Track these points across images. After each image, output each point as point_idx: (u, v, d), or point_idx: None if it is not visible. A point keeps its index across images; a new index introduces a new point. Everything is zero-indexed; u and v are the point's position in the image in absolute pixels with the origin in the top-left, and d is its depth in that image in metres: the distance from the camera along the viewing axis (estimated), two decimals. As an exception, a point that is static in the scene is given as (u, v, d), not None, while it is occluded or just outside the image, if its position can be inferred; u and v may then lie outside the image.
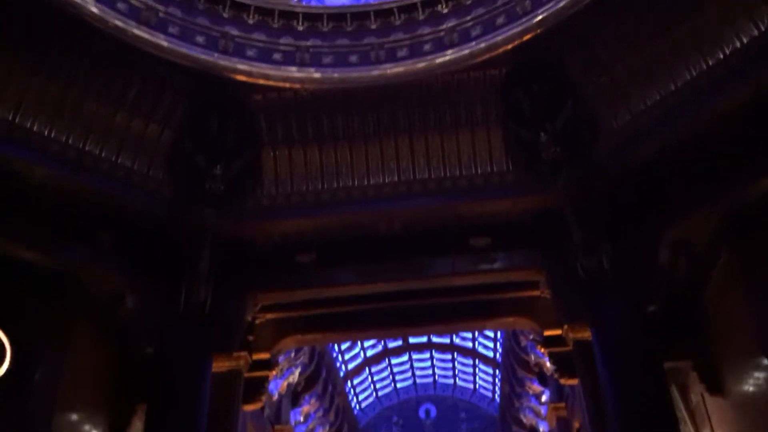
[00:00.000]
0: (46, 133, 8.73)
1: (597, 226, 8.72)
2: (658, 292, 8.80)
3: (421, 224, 9.74)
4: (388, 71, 9.34)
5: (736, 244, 8.38)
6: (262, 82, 9.43)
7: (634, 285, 8.59)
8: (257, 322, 10.67)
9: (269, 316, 10.82)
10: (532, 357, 13.77)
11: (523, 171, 9.49)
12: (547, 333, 10.38)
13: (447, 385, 22.09)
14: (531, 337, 12.02)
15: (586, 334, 8.98)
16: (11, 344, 8.70)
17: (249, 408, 10.48)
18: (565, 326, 9.45)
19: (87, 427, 9.42)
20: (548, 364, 11.06)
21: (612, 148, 9.04)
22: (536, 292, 10.05)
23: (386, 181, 9.82)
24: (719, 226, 8.44)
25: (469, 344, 19.99)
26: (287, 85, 9.53)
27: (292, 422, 15.20)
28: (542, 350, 10.85)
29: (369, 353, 20.26)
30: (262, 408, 13.19)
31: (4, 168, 8.27)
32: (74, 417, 9.11)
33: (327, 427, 17.76)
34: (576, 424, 13.26)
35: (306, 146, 9.87)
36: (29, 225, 8.52)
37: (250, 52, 9.36)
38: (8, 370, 8.57)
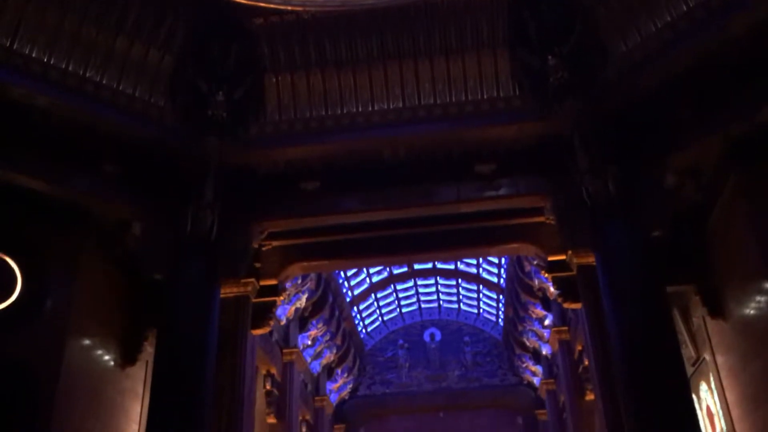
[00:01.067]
0: (45, 59, 8.59)
1: (603, 151, 8.64)
2: (663, 218, 8.81)
3: (426, 151, 9.67)
4: (392, -8, 9.10)
5: (742, 171, 8.33)
6: (263, 5, 9.21)
7: (639, 210, 8.58)
8: (263, 249, 10.77)
9: (275, 243, 10.90)
10: (536, 282, 13.93)
11: (529, 96, 9.35)
12: (551, 258, 10.45)
13: (451, 310, 22.46)
14: (535, 262, 12.10)
15: (590, 259, 9.05)
16: (21, 272, 8.84)
17: (257, 332, 10.70)
18: (569, 251, 9.51)
19: (99, 352, 9.67)
20: (552, 288, 11.18)
21: (620, 72, 8.87)
22: (541, 218, 10.06)
23: (391, 107, 9.69)
24: (726, 153, 8.38)
25: (474, 270, 20.20)
26: (289, 8, 9.30)
27: (300, 346, 15.54)
28: (546, 275, 10.94)
29: (374, 279, 20.52)
30: (271, 332, 13.48)
31: (3, 95, 8.19)
32: (86, 341, 9.33)
33: (334, 351, 18.17)
34: (578, 347, 13.54)
35: (309, 71, 9.70)
36: (32, 153, 8.51)
37: (250, -26, 9.11)
38: (19, 297, 8.73)
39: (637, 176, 8.65)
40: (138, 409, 10.43)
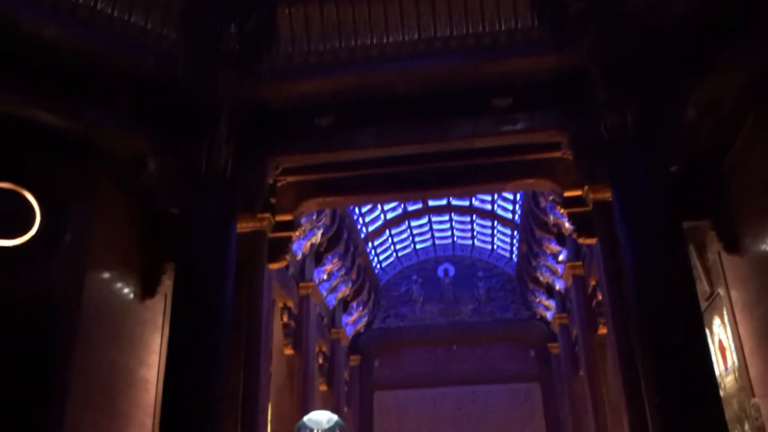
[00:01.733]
0: (54, -9, 8.46)
1: (622, 84, 8.47)
2: (681, 153, 8.70)
3: (441, 84, 9.51)
4: None
5: (764, 105, 8.17)
6: (275, -67, 8.97)
7: (657, 145, 8.47)
8: (278, 184, 10.79)
9: (290, 178, 10.91)
10: (551, 218, 13.91)
11: (548, 27, 9.09)
12: (567, 194, 10.40)
13: (465, 246, 22.56)
14: (551, 198, 12.05)
15: (607, 195, 9.00)
16: (40, 206, 8.93)
17: (274, 266, 10.83)
18: (586, 187, 9.46)
19: (119, 284, 9.85)
20: (567, 224, 11.17)
21: (642, 2, 8.60)
22: (558, 153, 9.96)
23: (406, 39, 9.48)
24: (748, 86, 8.20)
25: (488, 206, 20.17)
26: (301, -64, 9.05)
27: (316, 280, 15.74)
28: (561, 211, 10.92)
29: (389, 216, 20.56)
30: (287, 267, 13.63)
31: (13, 28, 8.10)
32: (106, 274, 9.50)
33: (349, 285, 18.41)
34: (592, 282, 13.61)
35: (322, 2, 9.47)
36: (45, 88, 8.47)
37: None
38: (39, 231, 8.85)
39: (656, 110, 8.50)
40: (158, 340, 10.69)
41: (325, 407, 14.65)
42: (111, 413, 9.28)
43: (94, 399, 8.91)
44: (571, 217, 10.46)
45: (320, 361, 17.01)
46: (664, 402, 7.32)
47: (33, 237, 8.81)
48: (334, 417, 3.42)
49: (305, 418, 3.36)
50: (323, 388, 17.40)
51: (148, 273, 10.45)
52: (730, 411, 9.40)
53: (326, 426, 3.42)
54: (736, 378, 9.74)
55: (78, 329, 8.66)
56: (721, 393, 8.15)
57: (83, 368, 8.67)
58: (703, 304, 10.12)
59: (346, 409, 18.63)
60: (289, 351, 14.68)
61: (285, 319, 14.54)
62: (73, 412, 8.35)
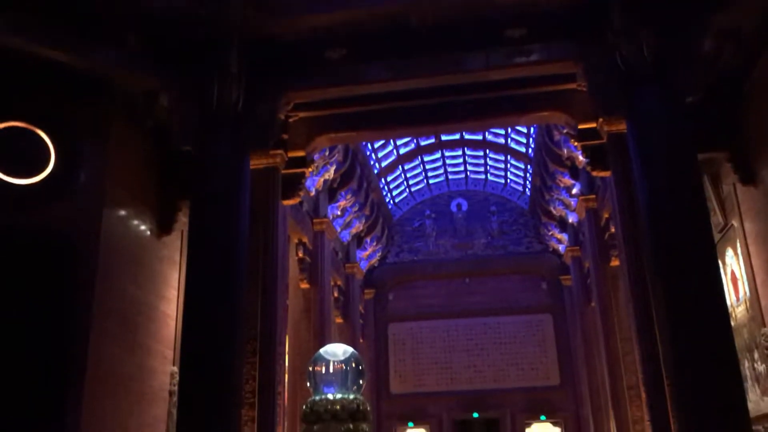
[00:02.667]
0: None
1: (639, 12, 8.25)
2: (698, 83, 8.54)
3: (454, 15, 9.30)
4: None
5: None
6: None
7: (673, 75, 8.31)
8: (290, 120, 10.75)
9: (302, 114, 10.85)
10: (565, 151, 13.80)
11: (563, -46, 8.85)
12: (581, 126, 10.31)
13: (478, 181, 22.52)
14: (565, 131, 11.92)
15: (621, 127, 8.92)
16: (54, 144, 8.99)
17: (288, 203, 10.91)
18: (600, 119, 9.36)
19: (136, 222, 9.98)
20: (581, 157, 11.09)
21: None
22: (572, 85, 9.81)
23: (417, -32, 9.25)
24: (768, 12, 8.00)
25: (502, 140, 20.02)
26: None
27: (330, 216, 15.84)
28: (575, 144, 10.83)
29: (402, 151, 20.48)
30: (301, 203, 13.72)
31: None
32: (122, 212, 9.62)
33: (363, 221, 18.52)
34: (605, 215, 13.61)
35: (331, -68, 9.23)
36: (55, 25, 8.39)
37: None
38: (54, 169, 8.93)
39: (673, 39, 8.31)
40: (176, 275, 10.89)
41: (340, 339, 14.99)
42: (132, 346, 9.56)
43: (116, 332, 9.16)
44: (585, 150, 10.39)
45: (335, 294, 17.30)
46: (676, 332, 7.43)
47: (48, 175, 8.90)
48: (350, 349, 3.54)
49: (321, 350, 3.48)
50: (339, 320, 17.75)
51: (164, 210, 10.58)
52: (740, 340, 9.54)
53: (342, 357, 3.55)
54: (747, 308, 9.83)
55: (98, 265, 8.84)
56: (732, 323, 8.24)
57: (105, 303, 8.89)
58: (717, 236, 10.14)
59: (361, 340, 19.03)
60: (304, 285, 14.93)
61: (300, 254, 14.72)
62: (96, 344, 8.62)
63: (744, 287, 9.91)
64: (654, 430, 8.47)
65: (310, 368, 3.84)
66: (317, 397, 3.68)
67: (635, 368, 11.71)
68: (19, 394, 8.10)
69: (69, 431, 8.13)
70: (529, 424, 19.73)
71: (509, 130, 18.94)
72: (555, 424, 19.72)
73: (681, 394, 7.33)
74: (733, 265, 10.28)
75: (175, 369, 10.10)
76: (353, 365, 3.83)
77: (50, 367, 8.28)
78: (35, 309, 8.39)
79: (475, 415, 19.86)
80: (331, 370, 3.81)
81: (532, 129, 17.57)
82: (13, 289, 8.40)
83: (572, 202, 16.05)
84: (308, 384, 3.92)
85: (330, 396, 3.64)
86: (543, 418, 19.66)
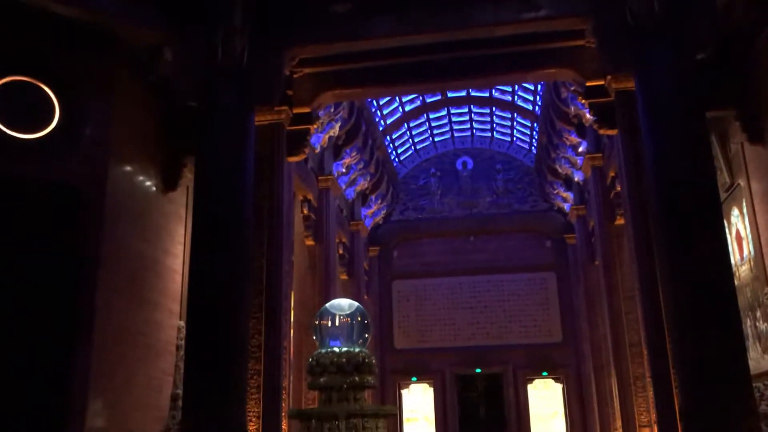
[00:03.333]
0: None
1: (651, -34, 8.10)
2: (709, 40, 8.43)
3: (462, -31, 9.16)
4: None
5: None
6: None
7: (683, 31, 8.19)
8: (295, 76, 10.67)
9: (307, 70, 10.76)
10: (572, 108, 13.69)
11: None
12: (589, 84, 10.21)
13: (484, 139, 22.37)
14: (572, 88, 11.80)
15: (629, 84, 8.82)
16: (58, 99, 8.94)
17: (293, 159, 10.89)
18: (608, 76, 9.26)
19: (141, 177, 9.98)
20: (588, 115, 11.01)
21: None
22: (580, 42, 9.69)
23: None
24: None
25: (509, 98, 19.83)
26: None
27: (335, 173, 15.82)
28: (583, 101, 10.74)
29: (407, 108, 20.30)
30: (306, 160, 13.68)
31: None
32: (128, 167, 9.62)
33: (368, 178, 18.48)
34: (611, 173, 13.56)
35: None
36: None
37: None
38: (59, 124, 8.91)
39: (685, -7, 8.17)
40: (182, 231, 10.94)
41: (345, 295, 15.08)
42: (140, 300, 9.65)
43: (123, 287, 9.25)
44: (593, 108, 10.31)
45: (340, 251, 17.37)
46: (679, 289, 7.46)
47: (53, 130, 8.88)
48: (355, 303, 3.58)
49: (327, 305, 3.52)
50: (344, 277, 17.87)
51: (170, 166, 10.57)
52: (743, 299, 9.59)
53: (348, 311, 3.59)
54: (751, 267, 9.85)
55: (104, 220, 8.88)
56: (735, 282, 8.27)
57: (111, 257, 8.95)
58: (723, 195, 10.10)
59: (366, 297, 19.17)
60: (309, 242, 15.00)
61: (305, 211, 14.75)
62: (103, 297, 8.70)
63: (748, 247, 9.91)
64: (655, 386, 8.58)
65: (316, 322, 3.89)
66: (323, 350, 3.73)
67: (637, 326, 11.81)
68: (28, 346, 8.23)
69: (78, 382, 8.28)
70: (530, 380, 19.98)
71: (516, 87, 18.73)
72: (556, 380, 19.97)
73: (682, 351, 7.40)
74: (738, 224, 10.27)
75: (182, 323, 10.22)
76: (359, 319, 3.87)
77: (58, 319, 8.39)
78: (42, 262, 8.47)
79: (478, 370, 20.12)
80: (336, 324, 3.86)
81: (539, 86, 17.39)
82: (20, 243, 8.46)
83: (578, 161, 15.98)
84: (314, 338, 3.97)
85: (336, 349, 3.68)
86: (545, 374, 19.90)
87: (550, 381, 20.04)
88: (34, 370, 8.18)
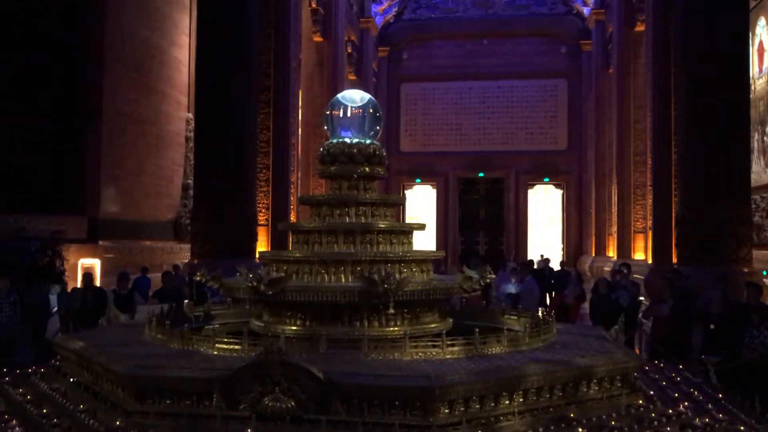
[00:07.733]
0: None
1: None
2: None
3: None
4: None
5: None
6: None
7: None
8: None
9: None
10: None
11: None
12: None
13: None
14: None
15: None
16: None
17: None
18: None
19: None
20: None
21: None
22: None
23: None
24: None
25: None
26: None
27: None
28: None
29: None
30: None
31: None
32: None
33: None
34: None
35: None
36: None
37: None
38: None
39: None
40: (187, 21, 10.63)
41: (353, 95, 14.96)
42: (147, 91, 9.61)
43: (129, 75, 9.16)
44: None
45: (349, 50, 16.96)
46: (692, 97, 7.38)
47: None
48: (367, 95, 3.53)
49: (339, 96, 3.47)
50: (352, 77, 17.60)
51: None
52: (754, 113, 9.49)
53: (360, 103, 3.55)
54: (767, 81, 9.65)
55: (106, 4, 8.60)
56: (751, 95, 8.14)
57: (115, 45, 8.79)
58: (752, 4, 9.63)
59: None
60: (317, 39, 14.57)
61: (313, 5, 14.16)
62: (110, 85, 8.69)
63: (770, 57, 9.64)
64: (655, 194, 8.79)
65: (328, 112, 3.86)
66: (334, 141, 3.74)
67: (644, 136, 11.83)
68: (39, 131, 8.30)
69: (90, 165, 8.47)
70: (531, 186, 20.39)
71: None
72: (557, 186, 20.37)
73: (688, 161, 7.47)
74: (763, 35, 9.88)
75: (191, 116, 10.26)
76: (371, 111, 3.83)
77: (66, 106, 8.40)
78: (45, 49, 8.31)
79: (481, 174, 20.46)
80: (348, 115, 3.82)
81: None
82: (22, 32, 8.25)
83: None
84: (325, 127, 3.97)
85: (347, 140, 3.69)
86: (546, 180, 20.27)
87: (551, 187, 20.47)
88: (48, 151, 8.29)
